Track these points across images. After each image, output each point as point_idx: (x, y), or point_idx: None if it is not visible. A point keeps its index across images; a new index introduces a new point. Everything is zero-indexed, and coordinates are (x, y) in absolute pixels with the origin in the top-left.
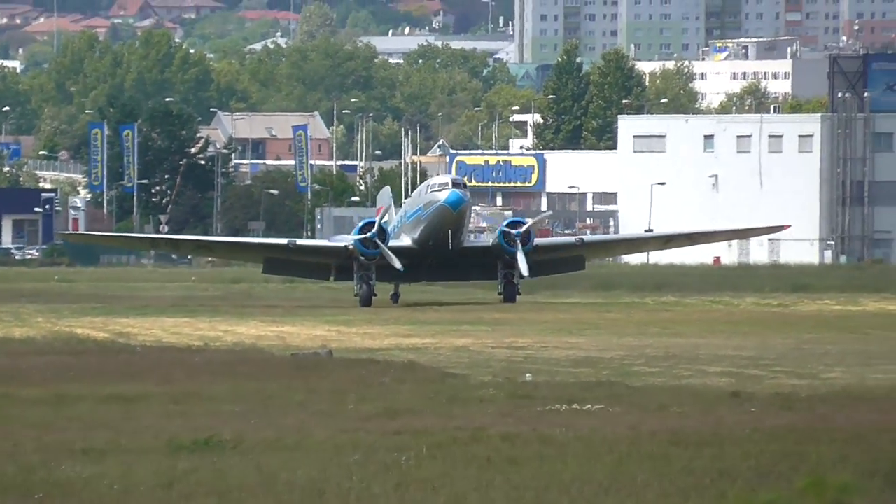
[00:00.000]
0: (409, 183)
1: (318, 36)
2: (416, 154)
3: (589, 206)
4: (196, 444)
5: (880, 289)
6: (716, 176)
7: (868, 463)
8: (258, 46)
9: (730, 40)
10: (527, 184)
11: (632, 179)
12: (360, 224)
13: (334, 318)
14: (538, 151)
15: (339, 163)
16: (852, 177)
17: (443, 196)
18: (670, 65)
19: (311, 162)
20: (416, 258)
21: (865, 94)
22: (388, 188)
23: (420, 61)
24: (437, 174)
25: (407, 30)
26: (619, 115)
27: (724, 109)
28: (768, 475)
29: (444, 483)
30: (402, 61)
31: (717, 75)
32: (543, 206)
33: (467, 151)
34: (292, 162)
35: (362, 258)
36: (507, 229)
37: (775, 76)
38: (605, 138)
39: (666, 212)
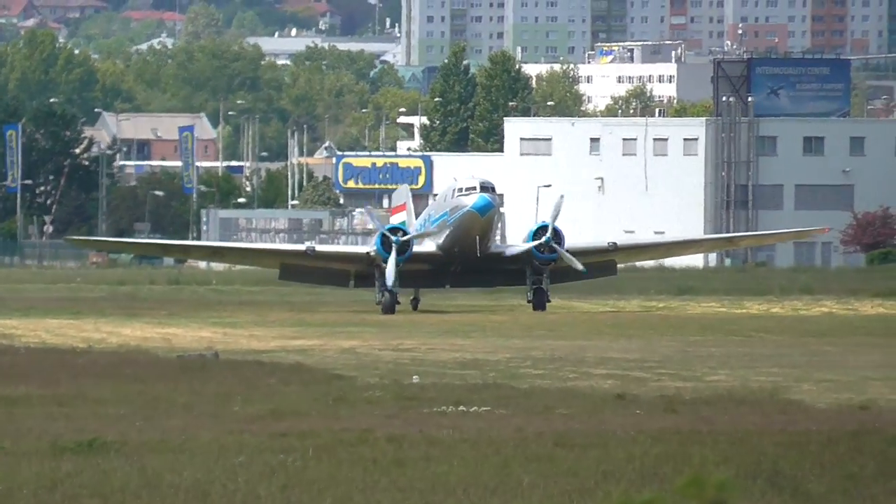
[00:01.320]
0: (296, 184)
1: (204, 37)
2: (302, 155)
3: None
4: (80, 445)
5: (763, 292)
6: (601, 179)
7: (751, 464)
8: (144, 47)
9: (615, 43)
10: (414, 186)
11: (518, 182)
12: (381, 232)
13: (221, 319)
14: (425, 153)
15: (226, 164)
16: (736, 180)
17: (470, 201)
18: (557, 67)
19: (197, 163)
20: (440, 264)
21: (749, 98)
22: (406, 186)
23: (307, 63)
24: (468, 177)
25: (293, 31)
26: (505, 118)
27: (609, 112)
28: (652, 477)
29: (329, 485)
30: (288, 62)
31: (603, 78)
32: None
33: (354, 153)
34: (178, 163)
35: (384, 265)
36: (535, 242)
37: (660, 79)
38: (492, 140)
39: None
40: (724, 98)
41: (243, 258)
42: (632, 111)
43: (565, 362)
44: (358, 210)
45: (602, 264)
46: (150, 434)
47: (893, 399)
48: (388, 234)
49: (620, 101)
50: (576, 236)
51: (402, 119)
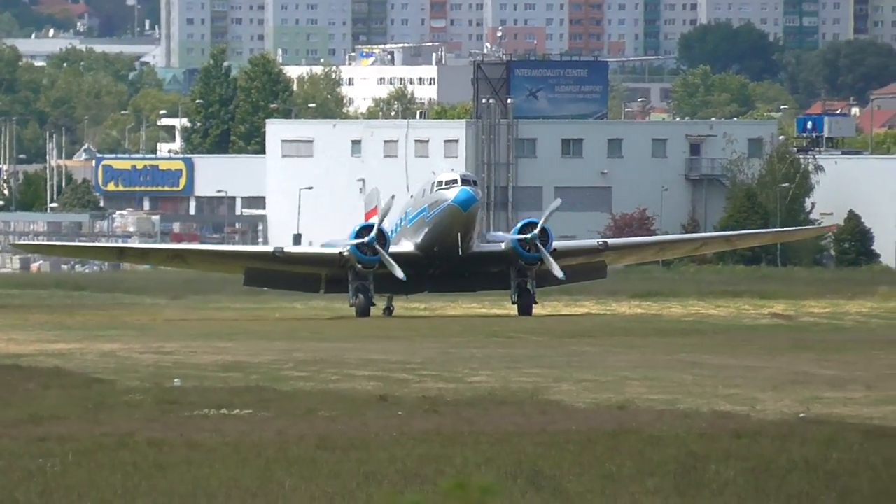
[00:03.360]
0: (56, 187)
1: None
2: (61, 158)
3: (238, 211)
4: None
5: None
6: (363, 180)
7: (511, 464)
8: None
9: (376, 46)
10: (175, 188)
11: (280, 184)
12: (357, 228)
13: None
14: (187, 155)
15: None
16: (496, 182)
17: (451, 195)
18: (318, 70)
19: None
20: (419, 266)
21: (509, 101)
22: (377, 188)
23: (65, 64)
24: (445, 171)
25: (51, 32)
26: (267, 120)
27: (371, 115)
28: (415, 478)
29: (89, 490)
30: (45, 64)
31: (364, 81)
32: (192, 211)
33: (114, 156)
34: None
35: (359, 266)
36: (521, 235)
37: (421, 82)
38: (254, 142)
39: (315, 216)
40: (483, 100)
41: (204, 262)
42: (393, 113)
43: (328, 364)
44: (119, 212)
45: (590, 266)
46: None
47: (651, 399)
48: (362, 232)
49: (382, 104)
50: (338, 238)
51: (163, 121)
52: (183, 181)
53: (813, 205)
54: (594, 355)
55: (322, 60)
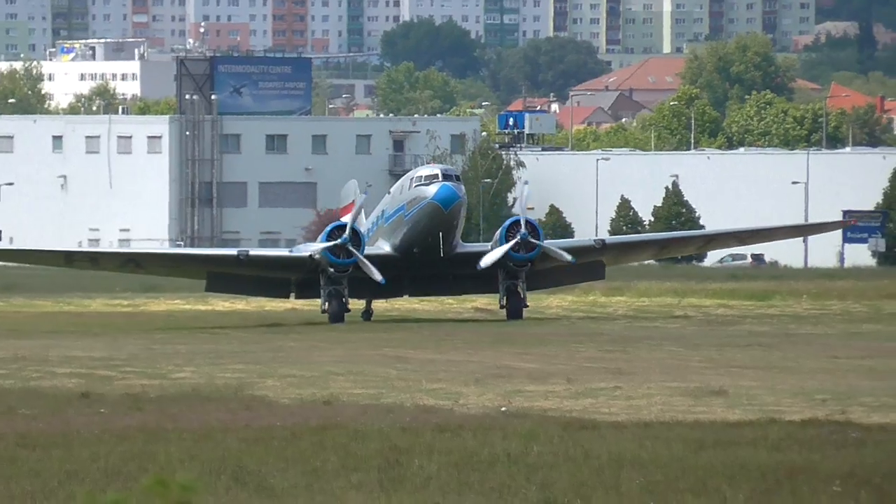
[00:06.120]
0: None
1: None
2: None
3: None
4: None
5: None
6: (65, 177)
7: (216, 461)
8: None
9: (77, 41)
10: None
11: None
12: (328, 228)
13: None
14: None
15: None
16: (201, 178)
17: (431, 191)
18: (18, 65)
19: None
20: (397, 269)
21: (213, 96)
22: (354, 182)
23: None
24: (426, 165)
25: None
26: None
27: (73, 110)
28: (117, 475)
29: None
30: None
31: (65, 76)
32: None
33: None
34: None
35: (331, 270)
36: (508, 242)
37: (124, 77)
38: None
39: (16, 212)
40: (187, 96)
41: (161, 266)
42: (95, 109)
43: (29, 362)
44: None
45: (587, 266)
46: None
47: (356, 394)
48: (333, 233)
49: (83, 99)
50: (38, 237)
51: None
52: None
53: (515, 200)
54: (299, 350)
55: (22, 56)
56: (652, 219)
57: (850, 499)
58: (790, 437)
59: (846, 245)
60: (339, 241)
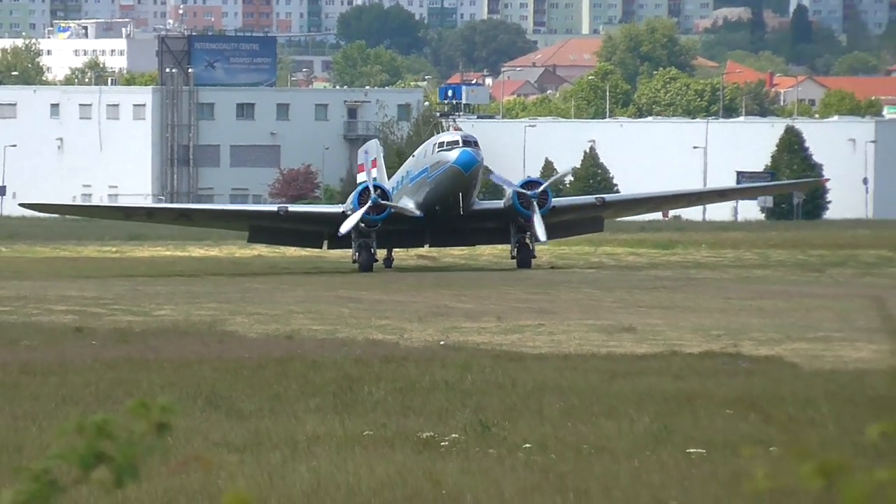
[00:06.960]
0: None
1: None
2: None
3: None
4: None
5: (202, 238)
6: (61, 139)
7: (192, 387)
8: None
9: (72, 21)
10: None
11: None
12: (357, 192)
13: None
14: None
15: None
16: (180, 141)
17: (453, 156)
18: (20, 42)
19: None
20: (420, 223)
21: (190, 70)
22: (375, 141)
23: None
24: (448, 131)
25: None
26: None
27: (68, 82)
28: (107, 399)
29: None
30: None
31: (61, 52)
32: None
33: None
34: None
35: (362, 225)
36: (522, 190)
37: (112, 53)
38: None
39: (19, 172)
40: (168, 70)
41: (212, 220)
42: (87, 80)
43: (29, 300)
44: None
45: (588, 220)
46: None
47: (314, 329)
48: (366, 192)
49: (77, 72)
50: (38, 193)
51: None
52: None
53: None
54: (264, 292)
55: (23, 34)
56: (572, 179)
57: (741, 420)
58: (689, 368)
59: (739, 201)
60: (370, 202)
